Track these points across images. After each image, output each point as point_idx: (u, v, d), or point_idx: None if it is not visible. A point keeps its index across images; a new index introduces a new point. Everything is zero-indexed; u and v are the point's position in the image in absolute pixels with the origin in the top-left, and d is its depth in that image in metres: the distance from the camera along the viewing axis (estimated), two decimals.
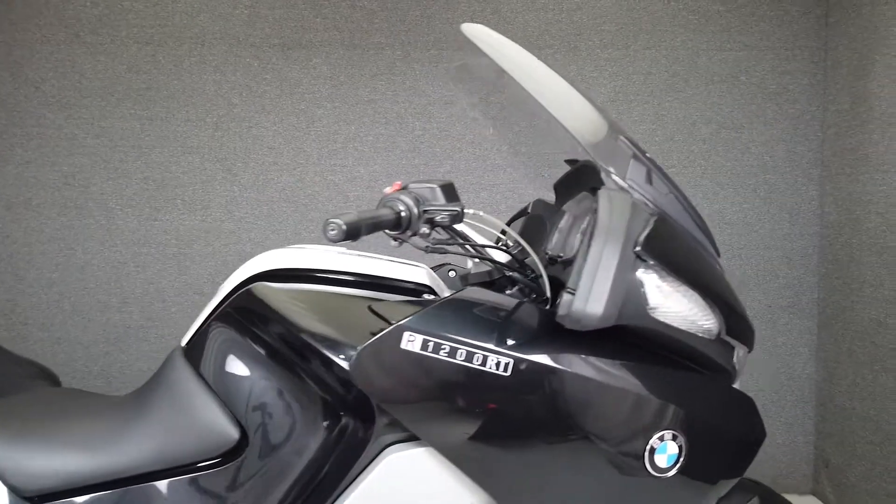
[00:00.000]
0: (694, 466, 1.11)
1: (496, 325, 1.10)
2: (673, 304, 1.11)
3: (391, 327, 1.08)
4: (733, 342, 1.21)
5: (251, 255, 2.98)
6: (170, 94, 2.92)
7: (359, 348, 1.08)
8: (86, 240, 2.93)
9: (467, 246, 1.24)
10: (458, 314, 1.09)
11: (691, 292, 1.13)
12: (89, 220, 2.93)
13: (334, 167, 2.96)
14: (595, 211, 1.10)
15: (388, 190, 1.14)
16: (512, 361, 1.06)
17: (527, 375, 1.07)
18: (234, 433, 1.15)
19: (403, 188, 1.14)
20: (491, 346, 1.06)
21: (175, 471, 1.15)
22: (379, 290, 1.26)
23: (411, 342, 1.07)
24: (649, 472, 1.09)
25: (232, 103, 2.93)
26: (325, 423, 1.13)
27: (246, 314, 1.20)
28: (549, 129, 1.40)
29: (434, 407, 1.11)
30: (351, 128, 2.95)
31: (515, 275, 1.22)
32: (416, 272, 1.28)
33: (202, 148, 2.94)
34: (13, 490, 1.12)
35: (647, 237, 1.09)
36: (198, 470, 1.15)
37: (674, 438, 1.09)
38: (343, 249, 1.31)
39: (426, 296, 1.26)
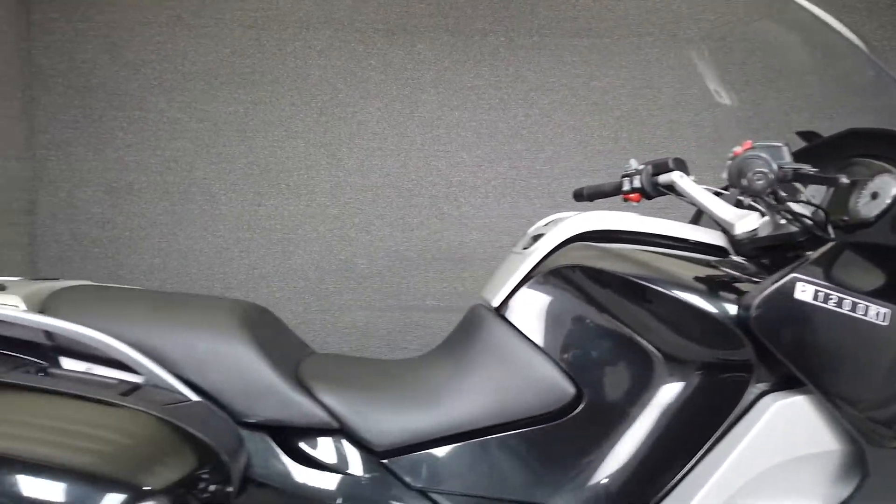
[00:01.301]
0: None
1: (876, 276, 1.17)
2: None
3: (785, 278, 1.14)
4: None
5: (355, 241, 3.01)
6: (274, 78, 2.90)
7: (755, 301, 1.13)
8: (188, 225, 2.91)
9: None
10: (846, 263, 1.17)
11: None
12: (192, 206, 2.90)
13: (437, 152, 2.99)
14: None
15: (737, 149, 1.21)
16: (890, 312, 1.14)
17: None
18: (569, 388, 1.20)
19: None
20: (872, 296, 1.14)
21: (511, 425, 1.20)
22: (680, 251, 1.30)
23: (803, 292, 1.13)
24: None
25: (336, 88, 2.92)
26: (672, 376, 1.19)
27: (575, 273, 1.23)
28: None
29: (821, 355, 1.17)
30: (454, 113, 2.98)
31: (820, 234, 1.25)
32: (712, 235, 1.32)
33: (307, 133, 2.93)
34: (365, 447, 1.16)
35: None
36: (533, 424, 1.20)
37: None
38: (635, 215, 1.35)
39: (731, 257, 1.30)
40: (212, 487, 0.93)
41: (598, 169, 3.03)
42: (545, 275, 1.26)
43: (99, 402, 0.93)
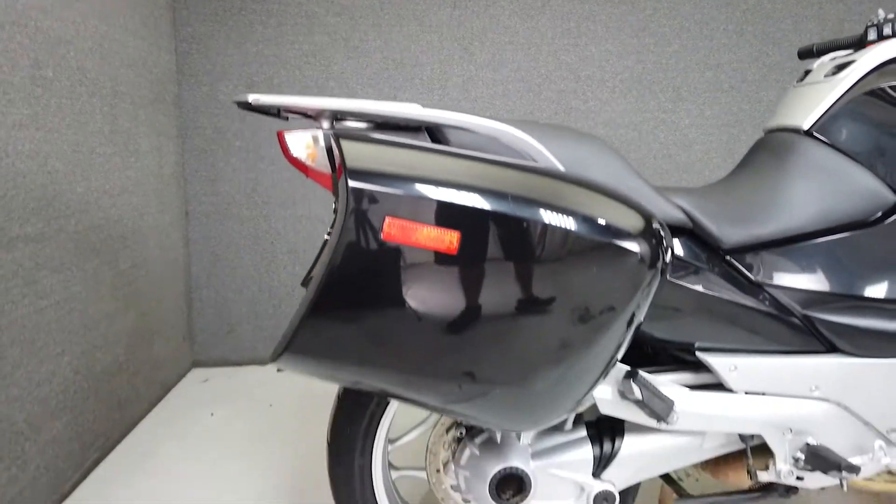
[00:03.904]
0: None
1: None
2: None
3: None
4: None
5: None
6: None
7: None
8: None
9: None
10: None
11: None
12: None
13: (567, 46, 3.03)
14: None
15: None
16: None
17: None
18: (889, 196, 1.32)
19: None
20: None
21: (834, 230, 1.33)
22: None
23: None
24: None
25: None
26: None
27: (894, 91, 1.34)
28: None
29: None
30: (584, 6, 3.01)
31: None
32: None
33: (441, 27, 2.96)
34: (711, 245, 1.28)
35: None
36: (854, 229, 1.33)
37: None
38: None
39: None
40: (667, 248, 1.03)
41: (723, 63, 3.08)
42: (863, 94, 1.35)
43: (542, 172, 1.01)
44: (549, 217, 0.94)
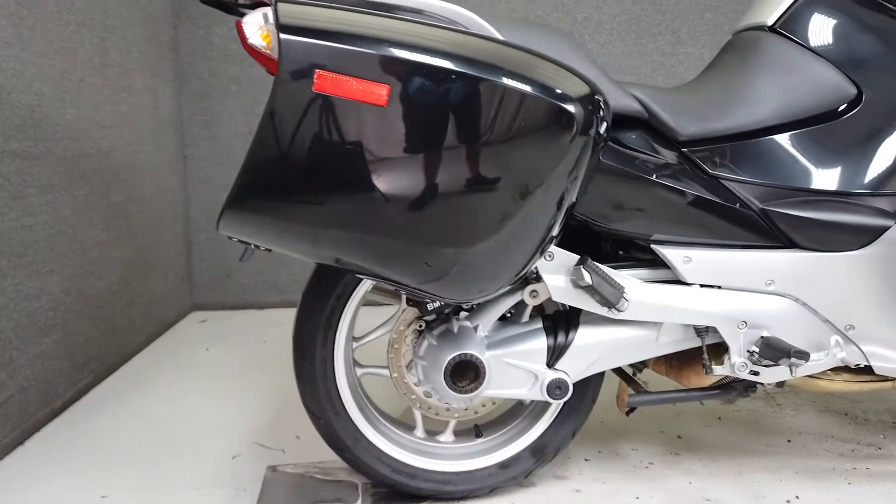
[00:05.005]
0: None
1: None
2: None
3: None
4: None
5: None
6: None
7: None
8: None
9: None
10: None
11: None
12: None
13: None
14: None
15: None
16: None
17: None
18: (850, 89, 1.32)
19: None
20: None
21: (795, 124, 1.32)
22: None
23: None
24: None
25: None
26: None
27: None
28: None
29: None
30: None
31: None
32: None
33: None
34: (668, 137, 1.29)
35: None
36: (815, 123, 1.32)
37: None
38: None
39: None
40: (604, 118, 1.04)
41: (723, 4, 3.05)
42: None
43: (472, 34, 1.02)
44: (480, 72, 0.95)
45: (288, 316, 2.87)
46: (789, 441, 1.73)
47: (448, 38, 0.98)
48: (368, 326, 1.51)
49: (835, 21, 1.35)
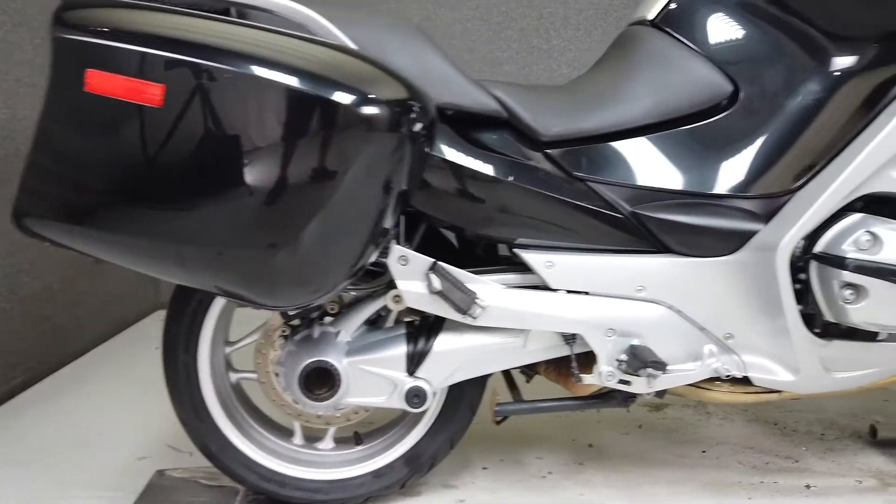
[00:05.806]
0: None
1: None
2: None
3: None
4: None
5: None
6: None
7: None
8: None
9: None
10: None
11: None
12: None
13: None
14: None
15: None
16: None
17: None
18: (726, 86, 1.25)
19: None
20: None
21: (670, 123, 1.26)
22: None
23: None
24: None
25: None
26: (831, 70, 1.21)
27: None
28: None
29: None
30: None
31: None
32: None
33: None
34: (530, 137, 1.24)
35: None
36: (691, 121, 1.26)
37: None
38: None
39: None
40: (418, 118, 1.00)
41: None
42: None
43: (303, 38, 0.98)
44: (268, 71, 0.92)
45: (255, 316, 2.86)
46: (703, 452, 1.66)
47: (238, 35, 0.95)
48: (245, 329, 1.49)
49: (713, 14, 1.28)
